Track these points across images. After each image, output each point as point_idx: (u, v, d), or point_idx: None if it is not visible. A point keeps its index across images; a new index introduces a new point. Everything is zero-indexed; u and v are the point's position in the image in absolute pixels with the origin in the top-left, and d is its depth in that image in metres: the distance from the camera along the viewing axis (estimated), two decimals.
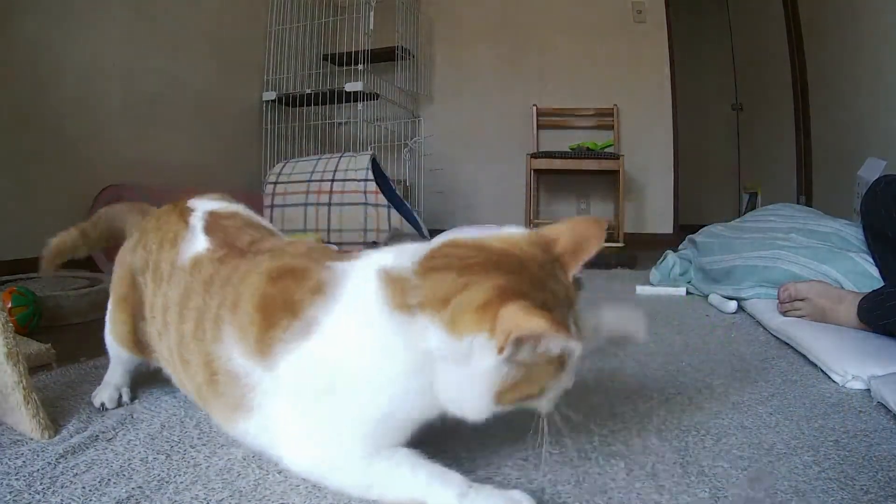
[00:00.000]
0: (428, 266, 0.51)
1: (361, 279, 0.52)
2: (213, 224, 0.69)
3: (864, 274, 1.37)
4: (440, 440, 0.62)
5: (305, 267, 0.55)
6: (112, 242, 0.89)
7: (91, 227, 0.91)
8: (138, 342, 0.76)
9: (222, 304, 0.57)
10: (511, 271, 0.50)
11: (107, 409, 0.81)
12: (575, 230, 0.55)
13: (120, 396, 0.83)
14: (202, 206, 0.75)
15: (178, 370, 0.67)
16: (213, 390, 0.59)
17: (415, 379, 0.51)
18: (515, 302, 0.46)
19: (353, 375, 0.51)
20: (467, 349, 0.47)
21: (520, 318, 0.45)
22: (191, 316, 0.61)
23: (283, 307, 0.52)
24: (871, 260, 1.38)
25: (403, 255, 0.53)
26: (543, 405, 0.54)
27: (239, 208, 0.76)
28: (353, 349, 0.51)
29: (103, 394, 0.82)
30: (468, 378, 0.49)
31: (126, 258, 0.77)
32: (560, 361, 0.50)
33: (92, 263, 1.83)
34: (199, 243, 0.66)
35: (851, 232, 1.50)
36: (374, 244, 2.35)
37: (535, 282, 0.50)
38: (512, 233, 0.55)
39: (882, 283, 1.29)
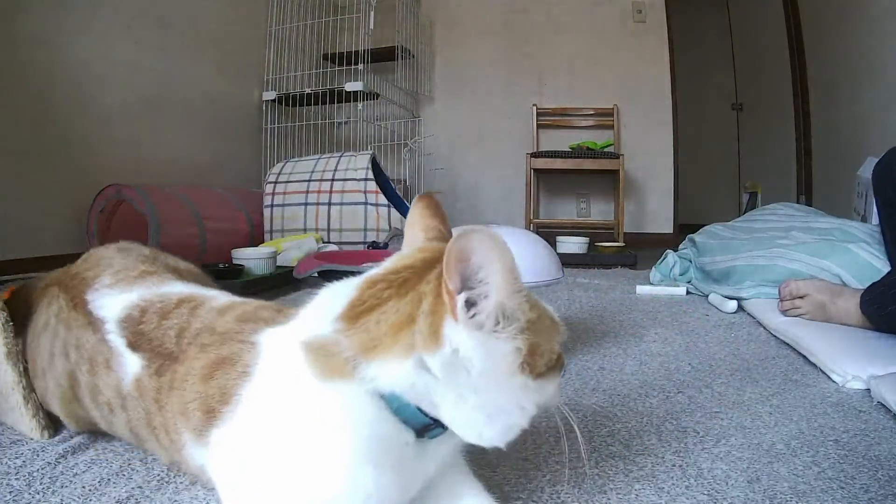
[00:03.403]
0: (353, 314, 0.47)
1: (281, 355, 0.51)
2: (134, 334, 0.63)
3: (865, 265, 1.37)
4: None
5: (230, 354, 0.54)
6: None
7: None
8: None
9: (175, 412, 0.57)
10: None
11: None
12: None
13: None
14: (108, 310, 0.65)
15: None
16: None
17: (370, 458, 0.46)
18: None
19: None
20: (455, 352, 0.44)
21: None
22: (160, 428, 0.60)
23: (220, 400, 0.53)
24: (873, 250, 1.38)
25: (320, 318, 0.49)
26: (556, 390, 0.49)
27: (148, 296, 0.65)
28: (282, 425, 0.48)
29: None
30: (482, 372, 0.44)
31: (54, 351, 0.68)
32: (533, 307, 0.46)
33: None
34: (132, 365, 0.61)
35: (854, 225, 1.50)
36: (374, 244, 2.35)
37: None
38: (428, 244, 0.53)
39: (887, 267, 1.29)
